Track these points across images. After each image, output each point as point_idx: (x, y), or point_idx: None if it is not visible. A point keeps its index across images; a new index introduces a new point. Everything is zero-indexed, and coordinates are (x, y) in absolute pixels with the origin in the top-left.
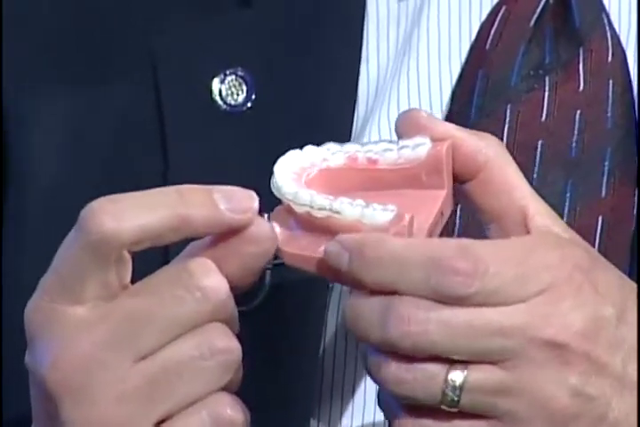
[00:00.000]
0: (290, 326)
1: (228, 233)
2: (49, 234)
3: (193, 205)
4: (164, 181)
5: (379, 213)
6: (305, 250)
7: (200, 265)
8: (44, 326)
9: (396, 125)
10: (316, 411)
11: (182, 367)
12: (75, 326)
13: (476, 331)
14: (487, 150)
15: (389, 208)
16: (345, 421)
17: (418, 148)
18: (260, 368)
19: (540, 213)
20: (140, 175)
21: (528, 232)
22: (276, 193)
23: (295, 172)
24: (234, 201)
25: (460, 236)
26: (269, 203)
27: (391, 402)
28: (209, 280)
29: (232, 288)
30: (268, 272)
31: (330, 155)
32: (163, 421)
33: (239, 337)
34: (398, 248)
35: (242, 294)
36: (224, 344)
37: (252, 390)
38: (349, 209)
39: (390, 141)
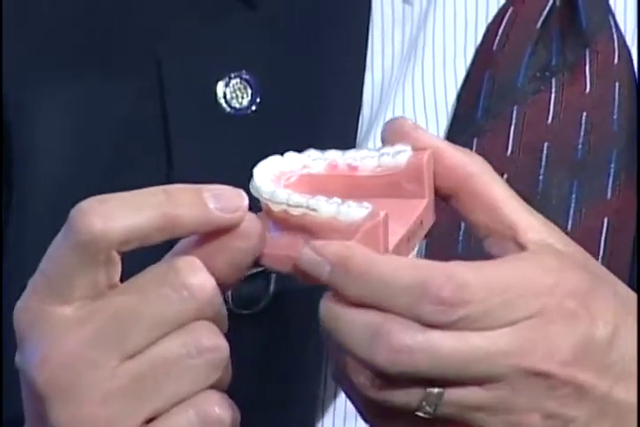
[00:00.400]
0: (294, 330)
1: (217, 231)
2: (50, 233)
3: (181, 205)
4: (168, 183)
5: (354, 209)
6: (282, 250)
7: (187, 263)
8: (32, 326)
9: (381, 133)
10: (318, 415)
11: (169, 366)
12: (62, 325)
13: (463, 358)
14: (472, 167)
15: (364, 205)
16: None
17: (398, 155)
18: (263, 372)
19: (533, 227)
20: (144, 177)
21: (522, 248)
22: (254, 193)
23: (275, 175)
24: (223, 200)
25: (463, 245)
26: None
27: (364, 401)
28: (195, 278)
29: (220, 285)
30: (273, 275)
31: (310, 161)
32: (150, 420)
33: (244, 340)
34: (385, 270)
35: (246, 298)
36: (211, 343)
37: (255, 394)
38: (325, 206)
39: (371, 149)
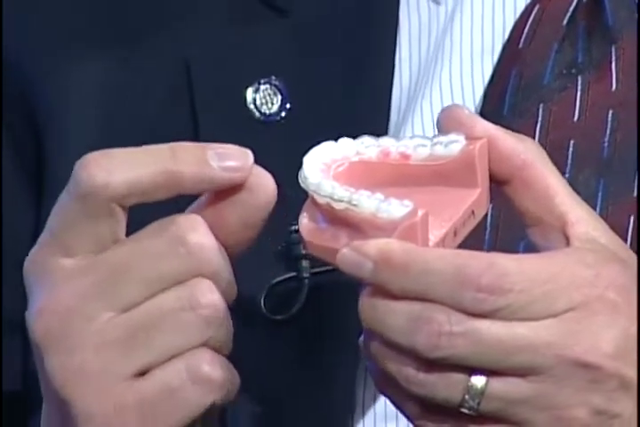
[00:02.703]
0: (327, 335)
1: (228, 190)
2: None
3: (184, 163)
4: None
5: (394, 207)
6: (327, 242)
7: (187, 220)
8: (36, 278)
9: (437, 120)
10: (353, 417)
11: (162, 319)
12: (62, 276)
13: (505, 347)
14: (526, 154)
15: (405, 203)
16: None
17: (451, 145)
18: (298, 376)
19: (581, 219)
20: None
21: (568, 240)
22: (301, 184)
23: (325, 163)
24: (227, 159)
25: (489, 238)
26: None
27: (406, 397)
28: (194, 236)
29: (233, 244)
30: (306, 281)
31: (363, 148)
32: (142, 374)
33: (279, 345)
34: (427, 259)
35: (279, 303)
36: (206, 299)
37: (291, 397)
38: (366, 202)
39: (425, 137)
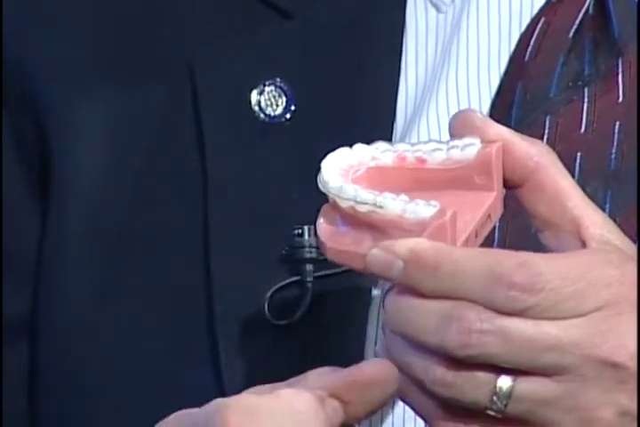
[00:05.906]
0: (330, 341)
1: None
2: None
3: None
4: (204, 192)
5: (421, 207)
6: (349, 246)
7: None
8: None
9: (449, 124)
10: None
11: None
12: None
13: (534, 345)
14: (539, 158)
15: (432, 204)
16: None
17: (467, 148)
18: None
19: (595, 222)
20: (179, 187)
21: (583, 243)
22: (321, 188)
23: (342, 168)
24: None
25: (499, 243)
26: (310, 213)
27: (429, 402)
28: None
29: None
30: (309, 285)
31: (379, 153)
32: None
33: (281, 351)
34: (459, 258)
35: (283, 308)
36: None
37: None
38: (392, 204)
39: (440, 141)
